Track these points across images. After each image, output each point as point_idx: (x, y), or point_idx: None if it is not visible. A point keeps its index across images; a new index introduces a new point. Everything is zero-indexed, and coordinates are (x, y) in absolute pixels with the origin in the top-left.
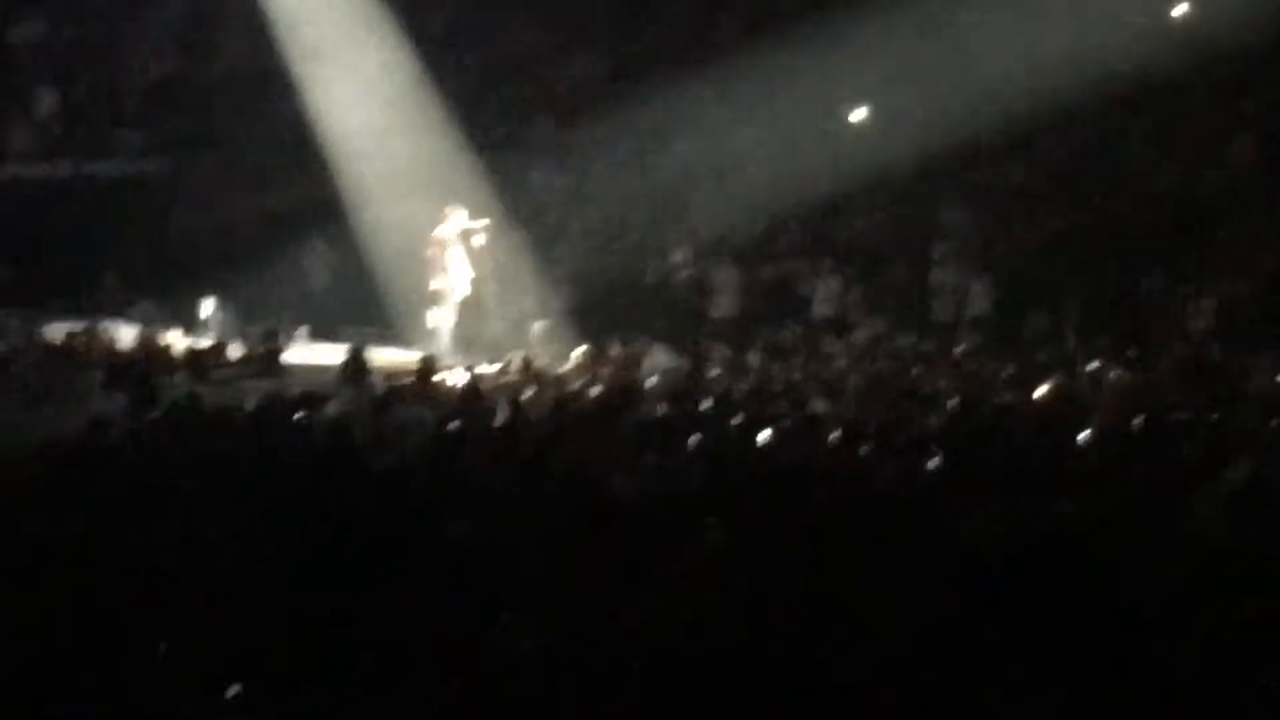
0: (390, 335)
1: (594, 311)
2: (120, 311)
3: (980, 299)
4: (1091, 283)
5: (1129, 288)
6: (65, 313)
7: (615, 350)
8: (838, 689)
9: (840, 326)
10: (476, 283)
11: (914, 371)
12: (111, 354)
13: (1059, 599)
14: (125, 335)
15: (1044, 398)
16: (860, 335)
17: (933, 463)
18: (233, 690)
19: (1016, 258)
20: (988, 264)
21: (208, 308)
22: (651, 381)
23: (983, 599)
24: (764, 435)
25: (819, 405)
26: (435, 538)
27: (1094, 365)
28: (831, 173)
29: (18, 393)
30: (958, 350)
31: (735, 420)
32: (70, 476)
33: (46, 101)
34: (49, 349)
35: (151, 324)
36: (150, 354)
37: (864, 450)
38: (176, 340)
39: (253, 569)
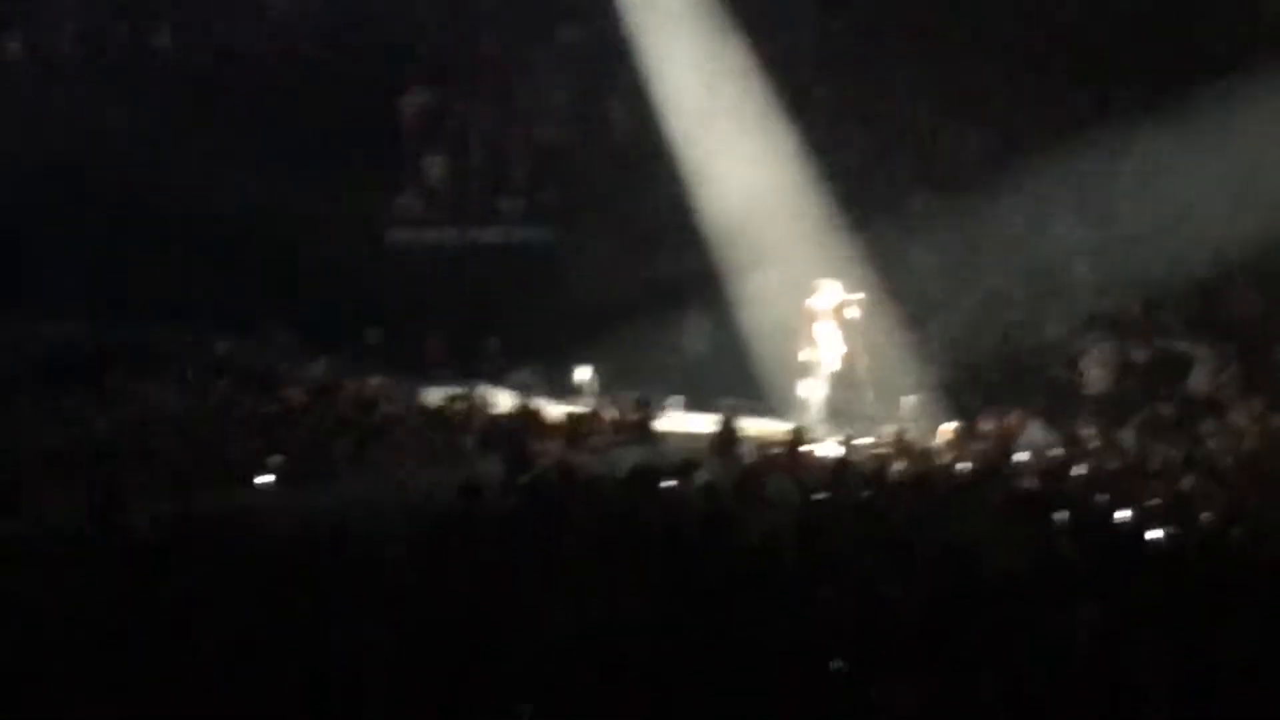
0: (763, 406)
1: (968, 386)
2: (499, 377)
3: None
4: None
5: None
6: (446, 378)
7: (988, 426)
8: None
9: (1217, 406)
10: (849, 355)
11: None
12: (489, 420)
13: None
14: (503, 401)
15: None
16: (1237, 415)
17: None
18: None
19: None
20: None
21: (584, 374)
22: (1023, 458)
23: None
24: (1130, 514)
25: (1193, 485)
26: (802, 607)
27: None
28: (1213, 249)
29: (398, 455)
30: None
31: (1106, 498)
32: (446, 538)
33: (435, 169)
34: (429, 413)
35: (529, 390)
36: (526, 420)
37: (1238, 532)
38: (553, 407)
39: (617, 634)
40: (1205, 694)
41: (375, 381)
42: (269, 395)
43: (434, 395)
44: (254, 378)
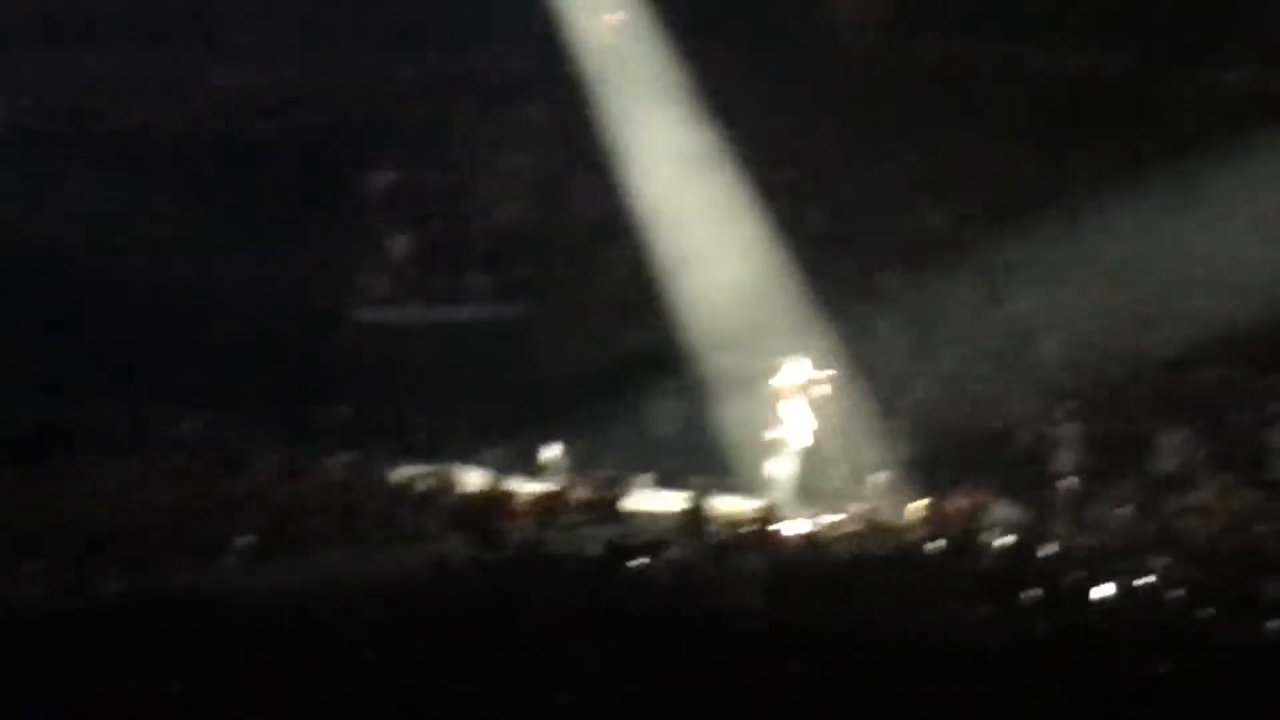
0: (732, 483)
1: (936, 463)
2: (467, 455)
3: None
4: None
5: None
6: (413, 455)
7: (956, 502)
8: None
9: (1184, 482)
10: (818, 432)
11: (1257, 530)
12: (457, 497)
13: None
14: (471, 479)
15: None
16: (1204, 492)
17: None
18: None
19: None
20: None
21: (552, 452)
22: (992, 535)
23: None
24: (1103, 592)
25: (1160, 563)
26: (771, 682)
27: None
28: (1179, 326)
29: (365, 532)
30: None
31: (1076, 576)
32: (411, 615)
33: (399, 247)
34: (396, 491)
35: (497, 468)
36: (494, 498)
37: (1205, 612)
38: (520, 485)
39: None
40: None
41: (343, 460)
42: (236, 474)
43: (403, 473)
44: (219, 455)
